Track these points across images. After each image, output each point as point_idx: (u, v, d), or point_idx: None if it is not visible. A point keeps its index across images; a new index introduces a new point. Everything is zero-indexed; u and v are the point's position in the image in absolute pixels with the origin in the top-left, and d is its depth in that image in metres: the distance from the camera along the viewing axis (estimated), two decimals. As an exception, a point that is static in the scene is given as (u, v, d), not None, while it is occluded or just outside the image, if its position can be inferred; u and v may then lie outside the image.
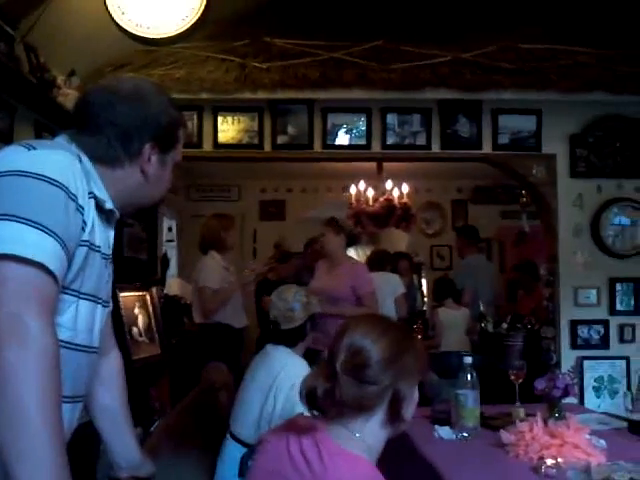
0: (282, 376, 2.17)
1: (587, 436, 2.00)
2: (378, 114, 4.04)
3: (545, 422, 2.04)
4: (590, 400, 3.85)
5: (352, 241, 4.09)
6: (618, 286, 3.98)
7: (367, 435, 1.26)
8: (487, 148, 4.08)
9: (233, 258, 4.30)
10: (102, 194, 1.19)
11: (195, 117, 4.00)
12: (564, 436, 1.93)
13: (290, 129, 4.07)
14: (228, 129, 4.05)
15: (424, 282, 6.65)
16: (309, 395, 1.29)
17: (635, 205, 4.05)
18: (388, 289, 4.64)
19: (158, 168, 1.26)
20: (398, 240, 7.14)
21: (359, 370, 1.25)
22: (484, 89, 3.85)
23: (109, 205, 1.21)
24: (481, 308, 4.48)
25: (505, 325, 4.37)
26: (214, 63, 3.82)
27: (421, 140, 4.06)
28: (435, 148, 4.07)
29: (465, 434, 2.22)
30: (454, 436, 2.23)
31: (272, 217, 7.50)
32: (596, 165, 4.07)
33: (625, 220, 4.06)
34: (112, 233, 1.27)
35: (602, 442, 2.03)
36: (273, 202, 7.58)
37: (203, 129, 4.02)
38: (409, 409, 1.28)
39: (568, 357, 3.99)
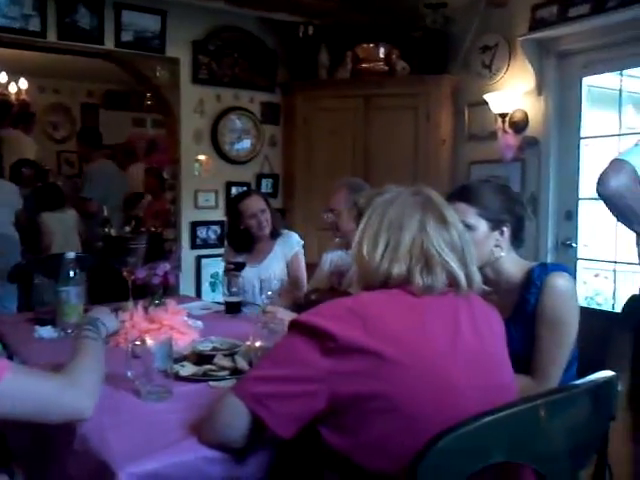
0: None
1: (185, 318, 2.14)
2: (-20, -13, 3.47)
3: (146, 310, 2.11)
4: (207, 294, 4.17)
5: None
6: (234, 189, 4.29)
7: None
8: (110, 44, 3.88)
9: None
10: None
11: None
12: (162, 320, 2.02)
13: None
14: None
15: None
16: None
17: (249, 115, 4.36)
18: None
19: None
20: (25, 146, 6.45)
21: None
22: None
23: None
24: (105, 213, 4.38)
25: (128, 229, 4.38)
26: None
27: (35, 26, 3.65)
28: (51, 37, 3.72)
29: (68, 331, 2.16)
30: (56, 334, 2.16)
31: None
32: (217, 73, 4.24)
33: (240, 128, 4.34)
34: None
35: (199, 323, 2.21)
36: None
37: None
38: None
39: (188, 256, 4.21)
